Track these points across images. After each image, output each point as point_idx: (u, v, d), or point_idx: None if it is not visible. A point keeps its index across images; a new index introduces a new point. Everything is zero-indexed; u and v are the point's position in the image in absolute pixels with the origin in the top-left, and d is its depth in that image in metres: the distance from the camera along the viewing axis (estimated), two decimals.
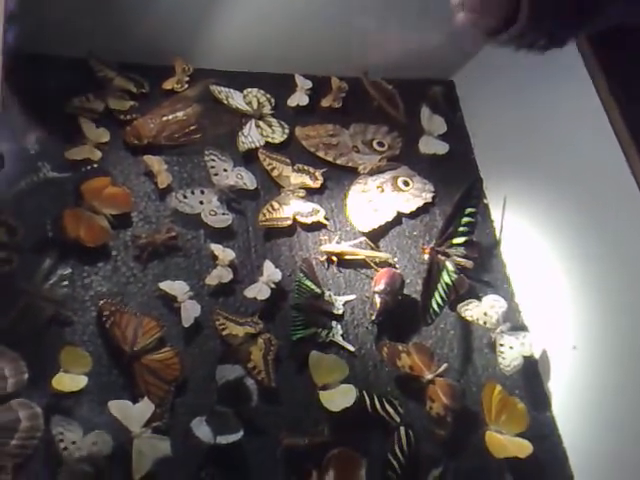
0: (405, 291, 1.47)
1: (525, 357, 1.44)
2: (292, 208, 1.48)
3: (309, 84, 1.63)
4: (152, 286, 1.33)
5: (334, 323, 1.41)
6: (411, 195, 1.60)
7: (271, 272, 1.38)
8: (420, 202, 1.60)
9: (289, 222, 1.47)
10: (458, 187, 1.51)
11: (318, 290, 1.41)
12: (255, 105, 1.58)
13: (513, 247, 1.60)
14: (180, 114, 1.50)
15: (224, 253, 1.38)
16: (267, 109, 1.59)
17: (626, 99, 1.27)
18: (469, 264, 1.48)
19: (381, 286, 1.42)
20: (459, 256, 1.47)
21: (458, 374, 1.44)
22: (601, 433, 1.35)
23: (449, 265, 1.46)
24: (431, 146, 1.68)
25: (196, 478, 1.20)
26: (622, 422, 1.31)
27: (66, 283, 1.27)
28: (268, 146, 1.55)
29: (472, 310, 1.46)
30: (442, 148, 1.69)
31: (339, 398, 1.30)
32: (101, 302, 1.27)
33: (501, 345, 1.44)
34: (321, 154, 1.58)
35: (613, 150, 1.28)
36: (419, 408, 1.37)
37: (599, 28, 0.90)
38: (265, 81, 1.62)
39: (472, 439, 1.37)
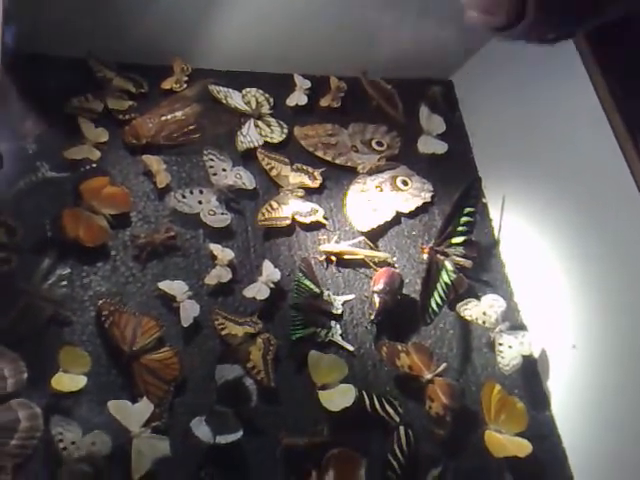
0: (404, 291, 1.47)
1: (524, 356, 1.44)
2: (291, 208, 1.48)
3: (308, 84, 1.63)
4: (151, 286, 1.33)
5: (333, 323, 1.41)
6: (410, 195, 1.60)
7: (270, 272, 1.38)
8: (419, 202, 1.60)
9: (288, 222, 1.47)
10: (457, 187, 1.51)
11: (317, 290, 1.41)
12: (254, 105, 1.58)
13: (512, 246, 1.60)
14: (179, 114, 1.50)
15: (223, 253, 1.38)
16: (266, 109, 1.59)
17: (624, 96, 1.27)
18: (468, 264, 1.48)
19: (380, 286, 1.42)
20: (458, 256, 1.47)
21: (457, 373, 1.44)
22: (600, 432, 1.35)
23: (448, 265, 1.46)
24: (430, 146, 1.68)
25: (195, 478, 1.20)
26: (622, 421, 1.31)
27: (65, 283, 1.27)
28: (267, 146, 1.55)
29: (471, 309, 1.46)
30: (441, 148, 1.69)
31: (338, 398, 1.30)
32: (100, 302, 1.27)
33: (500, 344, 1.44)
34: (320, 154, 1.58)
35: (611, 149, 1.28)
36: (418, 408, 1.37)
37: (606, 20, 0.92)
38: (264, 81, 1.62)
39: (471, 439, 1.37)
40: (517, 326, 1.50)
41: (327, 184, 1.56)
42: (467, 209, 1.49)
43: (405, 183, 1.61)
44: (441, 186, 1.63)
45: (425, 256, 1.48)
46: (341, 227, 1.52)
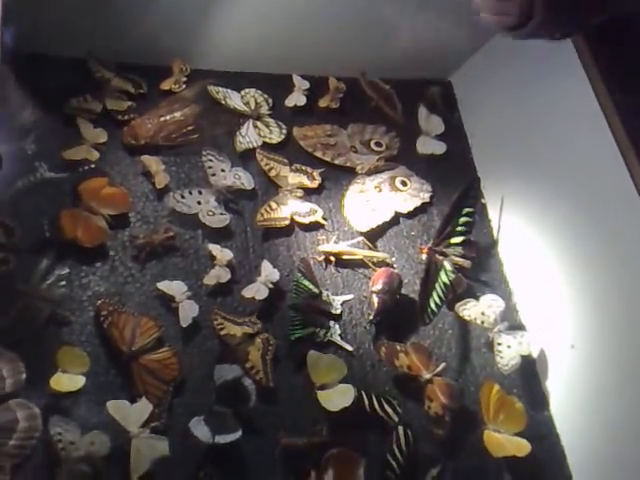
0: (403, 291, 1.47)
1: (523, 356, 1.44)
2: (290, 208, 1.48)
3: (307, 84, 1.63)
4: (150, 286, 1.33)
5: (332, 323, 1.41)
6: (409, 195, 1.60)
7: (269, 272, 1.38)
8: (418, 202, 1.60)
9: (287, 222, 1.47)
10: (456, 187, 1.51)
11: (316, 290, 1.41)
12: (253, 105, 1.58)
13: (510, 247, 1.60)
14: (178, 114, 1.50)
15: (222, 253, 1.38)
16: (265, 109, 1.60)
17: (623, 97, 1.27)
18: (467, 264, 1.48)
19: (379, 286, 1.42)
20: (457, 256, 1.48)
21: (456, 373, 1.44)
22: (599, 432, 1.35)
23: (447, 265, 1.46)
24: (429, 146, 1.69)
25: (194, 478, 1.20)
26: (620, 421, 1.31)
27: (64, 283, 1.27)
28: (266, 146, 1.55)
29: (470, 309, 1.46)
30: (440, 148, 1.69)
31: (337, 398, 1.30)
32: (99, 302, 1.27)
33: (499, 344, 1.44)
34: (319, 154, 1.58)
35: (610, 150, 1.28)
36: (417, 408, 1.37)
37: (611, 15, 0.96)
38: (263, 81, 1.62)
39: (470, 438, 1.37)
40: (516, 326, 1.50)
41: (326, 184, 1.56)
42: (466, 209, 1.49)
43: (404, 183, 1.61)
44: (440, 186, 1.64)
45: (424, 256, 1.48)
46: (340, 227, 1.52)
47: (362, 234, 1.52)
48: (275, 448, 1.25)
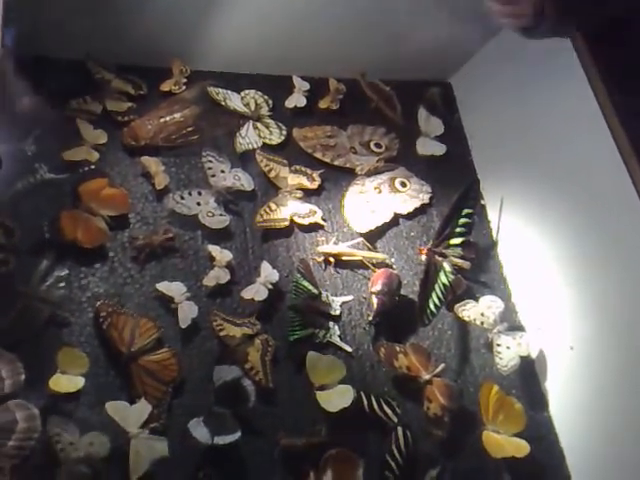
0: (402, 292, 1.47)
1: (522, 357, 1.44)
2: (289, 209, 1.48)
3: (307, 86, 1.63)
4: (149, 287, 1.33)
5: (331, 324, 1.41)
6: (408, 196, 1.60)
7: (268, 273, 1.38)
8: (417, 203, 1.60)
9: (286, 223, 1.47)
10: (455, 188, 1.51)
11: (315, 291, 1.41)
12: (253, 106, 1.59)
13: (510, 248, 1.60)
14: (178, 115, 1.50)
15: (221, 254, 1.38)
16: (265, 110, 1.60)
17: (623, 98, 1.27)
18: (466, 265, 1.48)
19: (378, 287, 1.42)
20: (456, 257, 1.48)
21: (455, 374, 1.44)
22: (598, 433, 1.35)
23: (446, 266, 1.46)
24: (428, 147, 1.69)
25: (193, 479, 1.19)
26: (619, 422, 1.31)
27: (63, 284, 1.27)
28: (265, 147, 1.55)
29: (469, 310, 1.45)
30: (439, 149, 1.69)
31: (336, 398, 1.30)
32: (98, 303, 1.26)
33: (498, 345, 1.44)
34: (318, 155, 1.58)
35: (610, 151, 1.28)
36: (416, 408, 1.37)
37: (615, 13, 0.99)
38: (263, 83, 1.62)
39: (469, 439, 1.37)
40: (515, 327, 1.50)
41: (326, 185, 1.56)
42: (465, 210, 1.49)
43: (403, 185, 1.61)
44: (439, 187, 1.64)
45: (423, 257, 1.48)
46: (339, 228, 1.52)
47: (361, 235, 1.52)
48: (274, 449, 1.25)
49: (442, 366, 1.40)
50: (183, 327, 1.30)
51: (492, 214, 1.64)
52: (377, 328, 1.43)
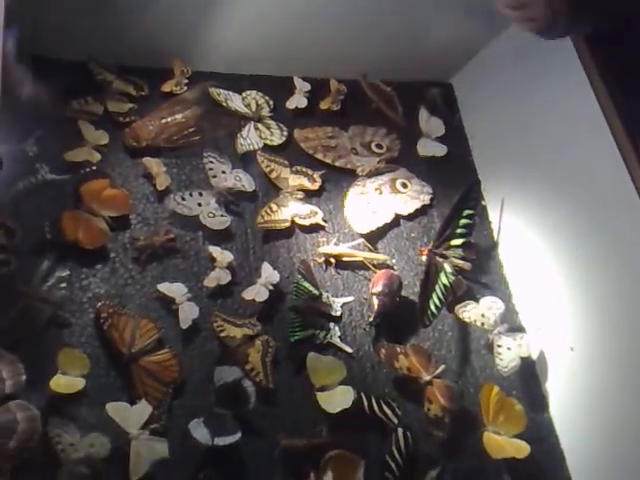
0: (403, 293, 1.47)
1: (522, 358, 1.44)
2: (290, 210, 1.48)
3: (308, 86, 1.63)
4: (150, 288, 1.33)
5: (332, 325, 1.41)
6: (409, 197, 1.60)
7: (269, 274, 1.38)
8: (418, 204, 1.60)
9: (287, 224, 1.47)
10: (456, 189, 1.51)
11: (316, 292, 1.41)
12: (254, 107, 1.59)
13: (511, 249, 1.60)
14: (179, 116, 1.50)
15: (222, 255, 1.38)
16: (266, 111, 1.60)
17: (624, 98, 1.27)
18: (467, 266, 1.48)
19: (379, 288, 1.42)
20: (457, 258, 1.48)
21: (456, 375, 1.44)
22: (599, 434, 1.35)
23: (447, 267, 1.46)
24: (429, 148, 1.69)
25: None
26: (620, 423, 1.31)
27: (64, 285, 1.27)
28: (266, 148, 1.55)
29: (470, 311, 1.46)
30: (440, 150, 1.69)
31: (337, 399, 1.30)
32: (99, 304, 1.27)
33: (499, 346, 1.44)
34: (319, 156, 1.59)
35: (611, 151, 1.28)
36: (417, 409, 1.37)
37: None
38: (264, 83, 1.63)
39: (470, 440, 1.37)
40: (515, 328, 1.50)
41: (326, 186, 1.57)
42: (466, 211, 1.49)
43: (404, 185, 1.61)
44: (440, 188, 1.64)
45: (424, 258, 1.48)
46: (340, 229, 1.53)
47: (362, 236, 1.52)
48: (275, 450, 1.25)
49: (442, 367, 1.40)
50: (184, 328, 1.30)
51: (493, 215, 1.64)
52: (378, 329, 1.43)
